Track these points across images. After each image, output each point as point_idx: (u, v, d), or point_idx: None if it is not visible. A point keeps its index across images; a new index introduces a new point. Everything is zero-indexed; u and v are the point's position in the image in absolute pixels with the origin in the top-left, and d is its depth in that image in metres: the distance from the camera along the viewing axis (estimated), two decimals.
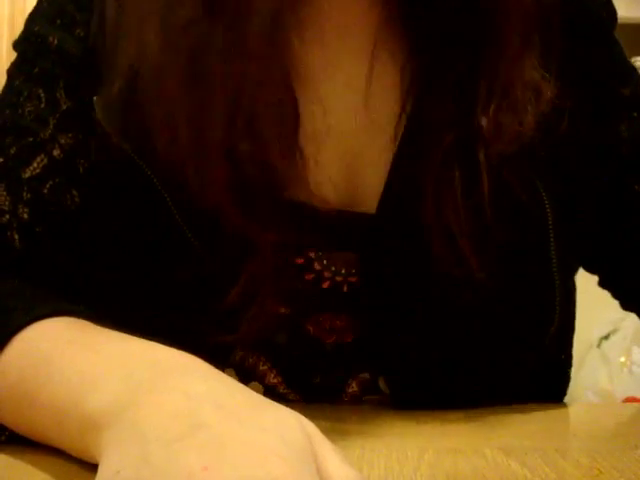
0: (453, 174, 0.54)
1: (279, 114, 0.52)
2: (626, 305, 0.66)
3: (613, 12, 0.63)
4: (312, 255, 0.56)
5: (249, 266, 0.52)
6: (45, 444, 0.45)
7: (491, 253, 0.54)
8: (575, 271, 0.64)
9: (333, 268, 0.56)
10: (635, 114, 0.62)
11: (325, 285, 0.56)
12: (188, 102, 0.51)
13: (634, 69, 0.64)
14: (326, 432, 0.38)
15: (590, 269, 0.66)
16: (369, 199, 0.56)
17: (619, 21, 0.64)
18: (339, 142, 0.56)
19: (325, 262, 0.56)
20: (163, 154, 0.53)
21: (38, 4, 0.61)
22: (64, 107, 0.56)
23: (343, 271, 0.56)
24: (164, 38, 0.52)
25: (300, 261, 0.55)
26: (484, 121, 0.53)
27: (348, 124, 0.57)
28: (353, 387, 0.59)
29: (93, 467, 0.38)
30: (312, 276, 0.56)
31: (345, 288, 0.56)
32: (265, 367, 0.57)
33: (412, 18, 0.56)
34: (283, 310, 0.55)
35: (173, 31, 0.51)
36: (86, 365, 0.43)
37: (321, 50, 0.56)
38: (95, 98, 0.56)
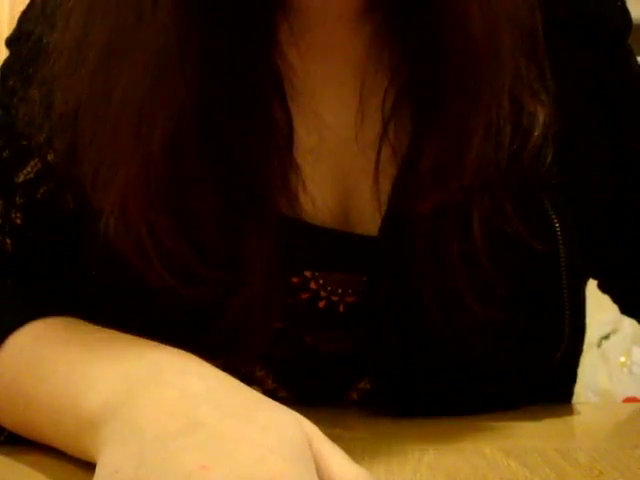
0: (447, 206, 0.51)
1: (273, 129, 0.51)
2: (625, 310, 0.65)
3: (628, 18, 0.59)
4: (308, 275, 0.54)
5: (242, 288, 0.51)
6: (43, 444, 0.45)
7: (492, 288, 0.52)
8: (584, 287, 0.61)
9: (329, 288, 0.55)
10: None
11: (321, 305, 0.55)
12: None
13: None
14: (325, 434, 0.38)
15: (590, 273, 0.64)
16: (365, 220, 0.55)
17: None
18: (333, 159, 0.55)
19: (321, 282, 0.54)
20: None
21: (31, 2, 0.58)
22: (60, 110, 0.52)
23: (339, 291, 0.55)
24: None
25: (296, 280, 0.54)
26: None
27: (343, 141, 0.55)
28: (354, 397, 0.58)
29: (91, 467, 0.38)
30: (308, 295, 0.55)
31: (341, 308, 0.55)
32: (262, 373, 0.56)
33: (402, 33, 0.53)
34: (278, 325, 0.54)
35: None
36: (82, 364, 0.43)
37: (314, 65, 0.54)
38: None
